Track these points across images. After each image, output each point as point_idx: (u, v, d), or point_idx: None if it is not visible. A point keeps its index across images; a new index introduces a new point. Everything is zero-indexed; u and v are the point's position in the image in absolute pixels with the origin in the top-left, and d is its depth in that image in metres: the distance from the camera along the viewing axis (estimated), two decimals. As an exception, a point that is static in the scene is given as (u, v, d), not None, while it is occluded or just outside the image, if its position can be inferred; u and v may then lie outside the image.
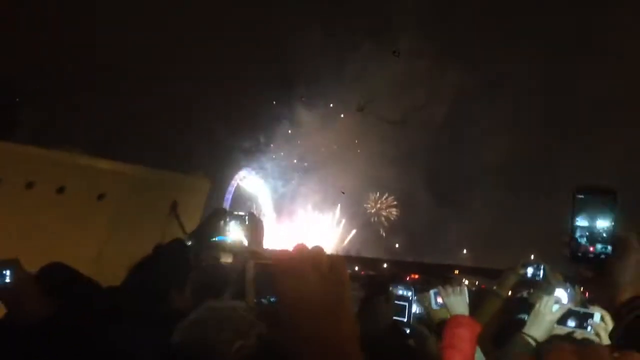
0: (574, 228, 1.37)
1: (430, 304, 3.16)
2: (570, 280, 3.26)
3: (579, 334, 2.33)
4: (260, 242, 2.74)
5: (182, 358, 1.59)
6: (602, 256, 1.35)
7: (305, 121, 54.37)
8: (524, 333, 2.48)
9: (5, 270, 1.94)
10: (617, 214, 1.36)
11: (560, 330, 2.44)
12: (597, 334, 2.32)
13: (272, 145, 53.08)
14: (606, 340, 2.20)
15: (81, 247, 9.74)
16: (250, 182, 49.74)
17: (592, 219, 1.36)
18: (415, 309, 3.16)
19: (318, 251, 1.00)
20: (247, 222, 2.78)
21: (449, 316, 2.87)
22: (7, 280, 1.92)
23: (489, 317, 3.22)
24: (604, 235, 1.35)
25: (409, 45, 51.08)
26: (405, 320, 2.97)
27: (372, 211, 59.13)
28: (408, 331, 2.98)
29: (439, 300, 3.08)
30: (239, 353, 1.48)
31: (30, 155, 10.26)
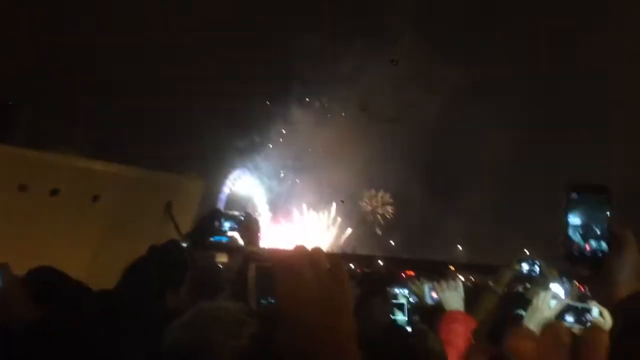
0: (568, 227, 1.37)
1: (424, 297, 3.18)
2: (565, 276, 3.28)
3: (576, 329, 2.34)
4: (256, 242, 2.74)
5: (173, 359, 1.59)
6: (600, 254, 1.35)
7: (300, 120, 54.37)
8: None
9: None
10: (611, 211, 1.36)
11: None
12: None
13: (267, 145, 53.06)
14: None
15: (76, 249, 9.72)
16: (244, 182, 49.73)
17: (586, 217, 1.36)
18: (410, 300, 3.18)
19: (317, 251, 1.00)
20: (242, 222, 2.77)
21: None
22: None
23: (485, 313, 3.22)
24: (599, 232, 1.35)
25: (405, 43, 51.13)
26: (403, 319, 2.98)
27: (368, 209, 59.16)
28: (408, 329, 2.98)
29: (434, 295, 3.09)
30: (231, 353, 1.48)
31: (23, 158, 10.20)
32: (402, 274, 3.66)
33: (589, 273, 1.40)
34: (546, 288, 2.74)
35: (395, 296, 3.11)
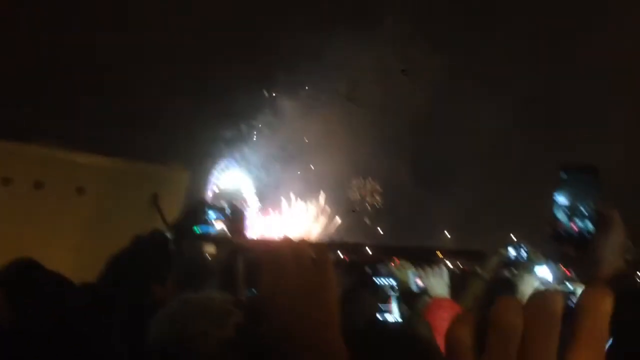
0: (557, 206, 1.37)
1: (409, 284, 3.18)
2: (552, 259, 3.30)
3: None
4: (242, 233, 2.72)
5: (158, 351, 1.57)
6: (586, 234, 1.35)
7: (287, 109, 54.20)
8: None
9: None
10: (600, 191, 1.36)
11: None
12: None
13: (253, 134, 52.84)
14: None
15: (61, 242, 9.64)
16: (232, 172, 49.57)
17: (574, 197, 1.36)
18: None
19: (302, 242, 1.00)
20: (228, 213, 2.75)
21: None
22: None
23: (473, 299, 3.24)
24: (586, 212, 1.35)
25: (391, 30, 51.03)
26: (391, 309, 2.98)
27: (356, 197, 59.24)
28: (396, 319, 2.99)
29: (418, 282, 3.10)
30: (217, 344, 1.46)
31: (6, 151, 10.08)
32: (392, 263, 3.64)
33: (574, 253, 1.40)
34: (531, 272, 2.76)
35: (382, 286, 3.11)
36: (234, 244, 2.59)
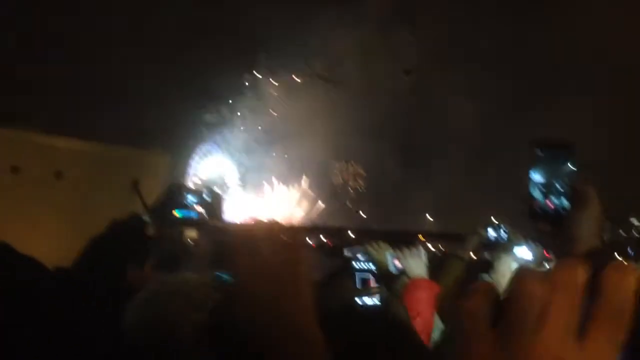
0: (532, 183, 1.36)
1: (387, 266, 3.20)
2: (531, 240, 3.32)
3: None
4: (220, 216, 2.69)
5: (136, 335, 1.55)
6: (561, 211, 1.34)
7: (269, 92, 53.91)
8: None
9: None
10: (575, 168, 1.35)
11: None
12: None
13: (235, 118, 52.51)
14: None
15: (40, 229, 9.54)
16: (213, 156, 49.32)
17: (550, 173, 1.35)
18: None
19: (274, 225, 0.98)
20: (205, 197, 2.71)
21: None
22: None
23: (452, 280, 3.26)
24: (561, 189, 1.34)
25: (374, 11, 50.86)
26: (369, 292, 2.99)
27: (339, 181, 59.43)
28: (374, 302, 3.00)
29: (397, 263, 3.12)
30: (194, 327, 1.45)
31: (-19, 136, 9.90)
32: (370, 245, 3.64)
33: (550, 230, 1.40)
34: (509, 252, 2.78)
35: (361, 269, 3.11)
36: (213, 227, 2.57)
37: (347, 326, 1.49)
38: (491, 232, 3.48)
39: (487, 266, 2.89)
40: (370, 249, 3.50)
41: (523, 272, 0.57)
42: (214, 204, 2.65)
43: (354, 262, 3.14)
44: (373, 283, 2.93)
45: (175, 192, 2.72)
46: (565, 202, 1.33)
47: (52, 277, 1.85)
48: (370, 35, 50.94)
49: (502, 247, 3.16)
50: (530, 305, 0.55)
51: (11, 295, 1.64)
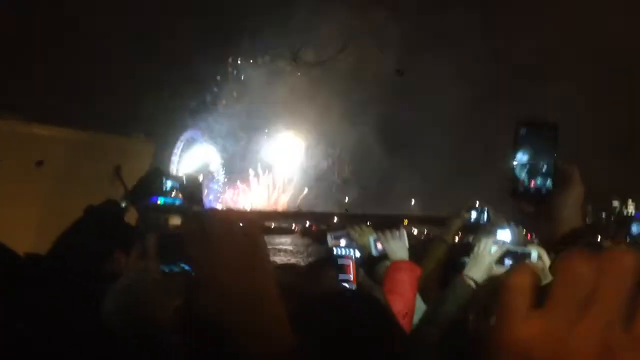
0: (515, 163, 1.35)
1: (369, 249, 3.20)
2: (513, 222, 3.33)
3: None
4: (199, 202, 2.66)
5: (115, 320, 1.53)
6: (544, 191, 1.33)
7: (253, 78, 53.59)
8: (464, 275, 2.53)
9: None
10: (559, 148, 1.34)
11: (499, 270, 2.49)
12: None
13: (219, 104, 52.18)
14: (544, 277, 2.25)
15: (21, 218, 9.43)
16: (197, 142, 49.09)
17: (533, 153, 1.34)
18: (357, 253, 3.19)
19: (230, 213, 1.00)
20: (185, 182, 2.68)
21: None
22: None
23: (435, 262, 3.27)
24: (545, 169, 1.33)
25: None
26: (350, 278, 2.99)
27: (324, 167, 59.53)
28: (353, 286, 3.00)
29: (379, 246, 3.12)
30: (172, 315, 1.43)
31: (-40, 125, 9.75)
32: (353, 229, 3.65)
33: (533, 210, 1.39)
34: (488, 235, 2.78)
35: (341, 256, 3.10)
36: (191, 213, 2.55)
37: (326, 313, 1.48)
38: (474, 215, 3.49)
39: (469, 249, 2.89)
40: (352, 232, 3.51)
41: (572, 254, 0.54)
42: (193, 189, 2.62)
43: (334, 248, 3.14)
44: (353, 268, 2.93)
45: (153, 178, 2.68)
46: (548, 182, 1.32)
47: (22, 264, 1.82)
48: (353, 19, 50.79)
49: (483, 230, 3.16)
50: (577, 288, 0.53)
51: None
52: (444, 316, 2.24)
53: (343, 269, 2.94)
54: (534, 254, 2.46)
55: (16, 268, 1.70)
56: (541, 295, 0.55)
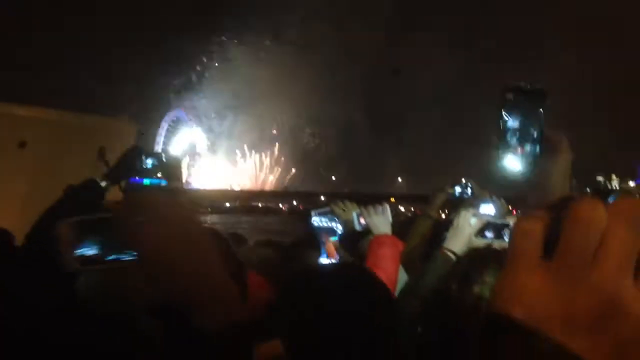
0: (504, 129, 1.32)
1: (353, 224, 3.21)
2: (496, 197, 3.34)
3: (497, 244, 2.40)
4: (179, 179, 2.62)
5: (93, 303, 1.52)
6: (534, 159, 1.32)
7: (238, 57, 53.10)
8: (444, 248, 2.54)
9: None
10: (546, 114, 1.32)
11: (479, 242, 2.50)
12: None
13: (204, 83, 51.70)
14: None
15: (5, 198, 9.37)
16: (182, 122, 48.74)
17: (522, 119, 1.32)
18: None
19: (163, 197, 0.99)
20: (164, 161, 2.64)
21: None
22: None
23: (419, 237, 3.27)
24: (534, 136, 1.31)
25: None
26: (330, 253, 3.00)
27: (311, 146, 59.47)
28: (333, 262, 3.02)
29: (362, 221, 3.12)
30: (145, 299, 1.42)
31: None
32: (337, 205, 3.67)
33: (521, 178, 1.37)
34: (467, 208, 2.78)
35: (324, 229, 3.12)
36: (172, 191, 2.52)
37: (309, 290, 1.48)
38: (458, 190, 3.50)
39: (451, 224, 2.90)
40: (336, 208, 3.52)
41: (583, 198, 0.52)
42: (172, 167, 2.59)
43: (315, 227, 3.15)
44: (333, 244, 2.94)
45: (133, 156, 2.64)
46: (536, 149, 1.30)
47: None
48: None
49: (466, 204, 3.16)
50: (588, 232, 0.50)
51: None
52: (425, 288, 2.25)
53: (323, 248, 2.96)
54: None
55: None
56: (549, 243, 0.52)
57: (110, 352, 1.43)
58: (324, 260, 3.01)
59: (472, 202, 3.11)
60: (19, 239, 2.70)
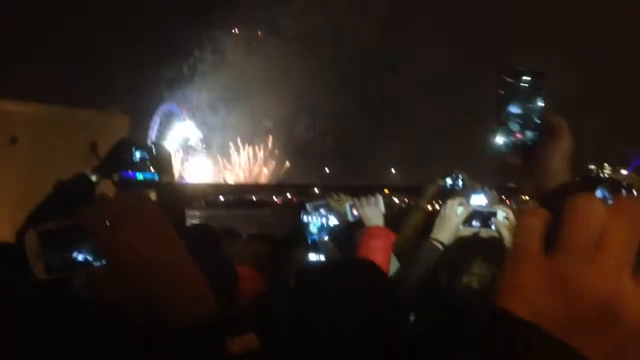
0: (506, 115, 1.31)
1: (346, 215, 3.23)
2: (487, 188, 3.36)
3: (484, 233, 2.41)
4: (170, 172, 2.62)
5: (85, 295, 1.52)
6: (531, 143, 1.31)
7: (230, 49, 52.84)
8: (432, 238, 2.55)
9: None
10: (546, 98, 1.31)
11: (466, 231, 2.51)
12: (500, 232, 2.40)
13: (196, 75, 51.44)
14: (509, 237, 2.27)
15: (-3, 194, 9.29)
16: (175, 116, 48.52)
17: (524, 103, 1.30)
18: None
19: (122, 202, 0.98)
20: (154, 154, 2.63)
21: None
22: None
23: (411, 229, 3.29)
24: (536, 120, 1.30)
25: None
26: (321, 250, 3.02)
27: (305, 139, 59.39)
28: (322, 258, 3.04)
29: (355, 212, 3.14)
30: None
31: None
32: (331, 197, 3.70)
33: (519, 163, 1.36)
34: (454, 197, 2.79)
35: (314, 226, 3.14)
36: (163, 185, 2.52)
37: (308, 287, 1.50)
38: (448, 181, 3.52)
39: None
40: (331, 201, 3.54)
41: (582, 194, 0.53)
42: (162, 160, 2.58)
43: (309, 217, 3.15)
44: (323, 238, 2.97)
45: (122, 149, 2.64)
46: (536, 134, 1.28)
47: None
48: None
49: (456, 195, 3.18)
50: (587, 226, 0.51)
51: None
52: (413, 277, 2.27)
53: (315, 244, 2.98)
54: (500, 214, 2.49)
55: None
56: (550, 239, 0.53)
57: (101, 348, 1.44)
58: (312, 256, 3.03)
59: (462, 193, 3.13)
60: (11, 237, 2.70)
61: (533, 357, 0.50)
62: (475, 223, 2.52)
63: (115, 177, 2.62)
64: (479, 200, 3.01)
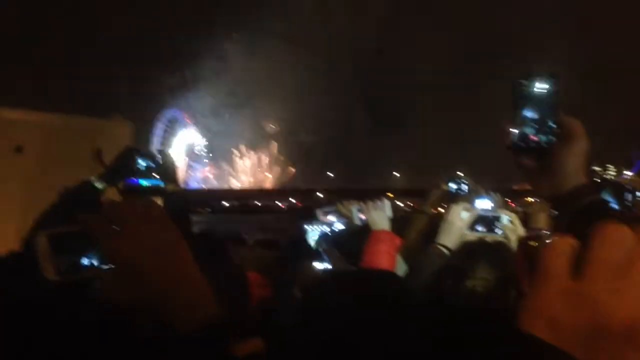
0: (521, 119, 1.31)
1: (353, 219, 3.24)
2: (492, 192, 3.36)
3: (489, 238, 2.41)
4: (176, 180, 2.63)
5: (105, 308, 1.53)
6: (546, 145, 1.30)
7: (233, 54, 52.95)
8: (437, 243, 2.55)
9: None
10: (560, 100, 1.31)
11: (471, 236, 2.50)
12: (506, 237, 2.39)
13: (199, 81, 51.53)
14: (515, 242, 2.27)
15: (2, 204, 9.37)
16: (178, 122, 48.61)
17: (535, 106, 1.30)
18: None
19: (127, 209, 0.99)
20: (159, 161, 2.64)
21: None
22: None
23: (416, 233, 3.29)
24: (551, 124, 1.30)
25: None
26: (325, 259, 3.02)
27: (309, 143, 59.39)
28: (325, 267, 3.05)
29: (362, 216, 3.15)
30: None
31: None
32: (338, 203, 3.75)
33: (534, 165, 1.36)
34: (458, 202, 2.79)
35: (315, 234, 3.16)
36: (169, 192, 2.53)
37: (316, 299, 1.50)
38: (453, 186, 3.52)
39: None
40: (340, 207, 3.58)
41: (609, 221, 0.53)
42: (167, 167, 2.59)
43: (309, 230, 3.17)
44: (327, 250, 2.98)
45: (127, 157, 2.65)
46: (551, 136, 1.28)
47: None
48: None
49: (461, 200, 3.18)
50: (616, 254, 0.51)
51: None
52: (419, 282, 2.27)
53: (318, 253, 2.99)
54: (505, 218, 2.49)
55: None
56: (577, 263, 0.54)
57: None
58: (318, 264, 3.04)
59: (467, 198, 3.13)
60: (17, 244, 2.70)
61: None
62: (480, 228, 2.52)
63: (121, 185, 2.64)
64: (483, 204, 3.01)
